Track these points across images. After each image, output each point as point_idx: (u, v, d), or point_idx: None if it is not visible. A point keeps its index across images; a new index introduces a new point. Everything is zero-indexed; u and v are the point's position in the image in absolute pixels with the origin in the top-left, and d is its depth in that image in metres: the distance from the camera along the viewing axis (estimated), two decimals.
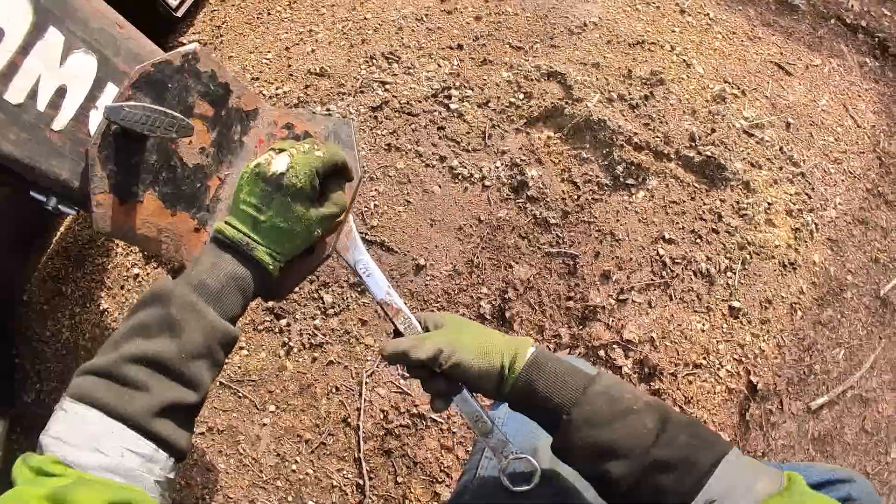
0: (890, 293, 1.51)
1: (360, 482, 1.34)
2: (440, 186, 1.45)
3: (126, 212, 0.72)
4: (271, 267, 0.64)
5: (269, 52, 1.77)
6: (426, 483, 1.31)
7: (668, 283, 1.37)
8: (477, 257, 1.39)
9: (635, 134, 1.48)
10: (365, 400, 1.36)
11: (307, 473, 1.36)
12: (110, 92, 0.77)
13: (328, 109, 1.60)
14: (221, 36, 1.84)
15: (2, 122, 0.67)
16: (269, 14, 1.86)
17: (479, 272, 1.38)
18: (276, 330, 1.41)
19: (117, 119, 0.64)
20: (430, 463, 1.32)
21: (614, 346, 1.31)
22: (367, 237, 1.41)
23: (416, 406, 1.34)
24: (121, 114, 0.63)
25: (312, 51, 1.73)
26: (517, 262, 1.38)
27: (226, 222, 0.64)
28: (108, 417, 0.53)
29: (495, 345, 0.65)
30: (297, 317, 1.41)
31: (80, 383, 0.56)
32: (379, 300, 0.76)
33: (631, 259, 1.39)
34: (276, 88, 1.67)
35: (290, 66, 1.72)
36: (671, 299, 1.35)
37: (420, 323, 0.74)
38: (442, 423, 1.33)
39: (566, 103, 1.52)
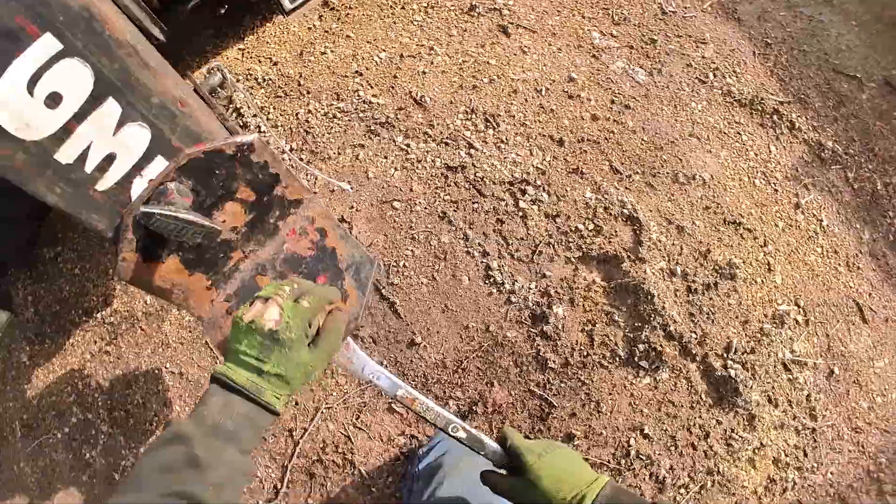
0: None
1: (278, 486, 1.44)
2: (469, 279, 1.43)
3: (147, 268, 0.75)
4: (279, 406, 0.69)
5: (383, 51, 1.70)
6: None
7: (620, 471, 1.36)
8: (468, 361, 1.39)
9: (675, 322, 1.40)
10: (314, 425, 1.43)
11: None
12: (159, 164, 0.78)
13: (408, 145, 1.55)
14: (351, 9, 1.76)
15: (50, 177, 0.71)
16: (402, 8, 1.76)
17: (462, 376, 1.39)
18: None
19: (148, 224, 0.66)
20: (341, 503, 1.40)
21: None
22: (381, 291, 1.42)
23: (352, 454, 1.41)
24: (151, 219, 0.66)
25: (423, 72, 1.65)
26: (500, 384, 1.37)
27: (229, 367, 0.68)
28: None
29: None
30: None
31: None
32: (394, 397, 0.82)
33: (601, 434, 1.36)
34: (372, 96, 1.62)
35: (396, 77, 1.65)
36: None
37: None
38: (366, 480, 1.39)
39: (628, 258, 1.44)
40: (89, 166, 0.73)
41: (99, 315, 1.58)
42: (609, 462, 1.36)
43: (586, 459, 1.35)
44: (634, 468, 1.37)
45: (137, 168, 0.77)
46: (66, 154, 0.70)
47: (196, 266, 0.80)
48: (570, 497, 0.75)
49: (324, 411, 1.43)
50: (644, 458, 1.37)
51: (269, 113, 1.66)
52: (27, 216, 1.53)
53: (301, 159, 1.59)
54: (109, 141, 0.73)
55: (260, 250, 0.86)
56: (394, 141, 1.57)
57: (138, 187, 0.77)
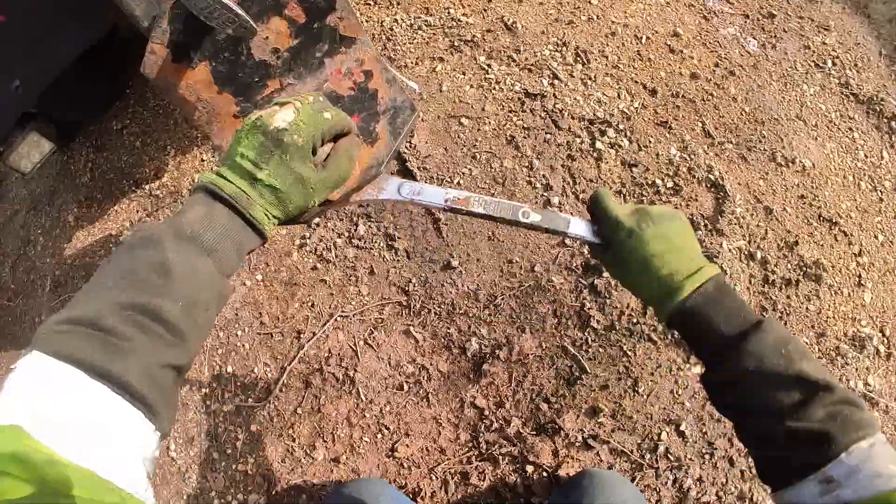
0: None
1: (272, 388, 1.32)
2: None
3: (175, 70, 0.65)
4: (268, 228, 0.56)
5: None
6: (313, 434, 1.27)
7: (641, 466, 1.18)
8: (502, 299, 1.24)
9: None
10: (324, 331, 1.30)
11: (244, 345, 1.35)
12: None
13: (489, 65, 1.40)
14: None
15: None
16: None
17: (493, 313, 1.23)
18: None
19: None
20: (329, 421, 1.27)
21: (543, 472, 1.16)
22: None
23: (355, 371, 1.27)
24: None
25: (520, 1, 1.50)
26: (532, 332, 1.22)
27: (218, 174, 0.55)
28: (89, 377, 0.42)
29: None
30: (328, 224, 1.33)
31: (52, 334, 0.43)
32: (445, 207, 0.69)
33: (631, 418, 1.19)
34: (462, 15, 1.48)
35: (490, 1, 1.51)
36: (632, 481, 1.16)
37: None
38: (361, 403, 1.26)
39: (705, 226, 1.26)
40: None
41: (147, 187, 1.54)
42: (632, 452, 1.19)
43: (606, 442, 1.18)
44: (658, 467, 1.19)
45: None
46: None
47: (227, 83, 0.69)
48: (660, 275, 0.60)
49: (338, 319, 1.30)
50: (672, 458, 1.19)
51: None
52: (105, 78, 1.49)
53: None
54: None
55: (298, 84, 0.75)
56: (475, 59, 1.42)
57: None
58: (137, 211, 1.55)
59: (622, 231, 0.61)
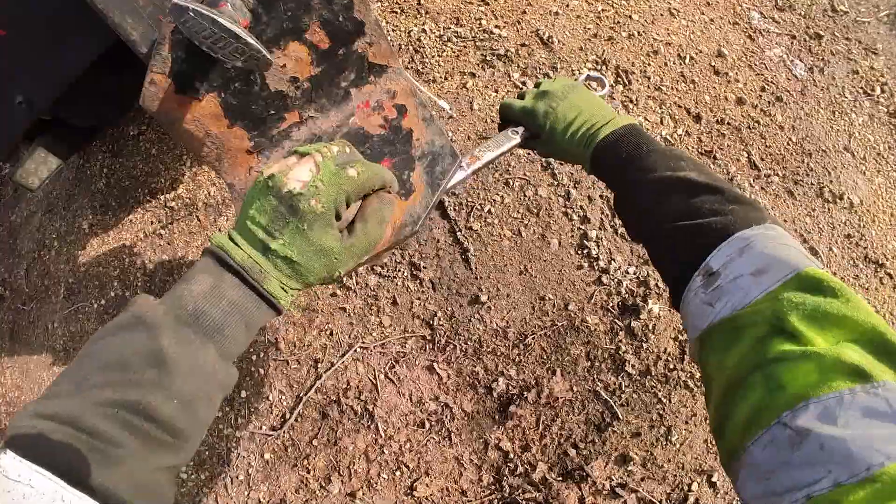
0: None
1: (287, 416, 1.25)
2: (560, 244, 1.19)
3: (179, 102, 0.56)
4: (283, 302, 0.49)
5: None
6: (329, 467, 1.21)
7: None
8: (534, 338, 1.16)
9: None
10: (342, 362, 1.23)
11: (259, 370, 1.29)
12: None
13: (524, 83, 1.31)
14: None
15: None
16: None
17: (523, 353, 1.16)
18: None
19: (178, 22, 0.46)
20: (346, 455, 1.20)
21: None
22: (457, 234, 1.20)
23: (374, 405, 1.21)
24: (182, 17, 0.46)
25: (556, 13, 1.40)
26: (563, 375, 1.14)
27: (230, 238, 0.48)
28: (68, 486, 0.35)
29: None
30: None
31: (30, 432, 0.37)
32: (469, 175, 0.71)
33: (661, 467, 1.12)
34: (495, 27, 1.37)
35: (524, 13, 1.40)
36: None
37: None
38: (380, 439, 1.19)
39: None
40: None
41: (162, 197, 1.47)
42: (661, 502, 1.12)
43: (635, 491, 1.12)
44: None
45: None
46: None
47: (239, 116, 0.59)
48: (581, 134, 0.65)
49: (358, 350, 1.23)
50: None
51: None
52: (122, 82, 1.40)
53: None
54: None
55: (321, 118, 0.64)
56: (509, 76, 1.32)
57: None
58: (152, 222, 1.47)
59: (539, 117, 0.68)
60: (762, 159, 1.28)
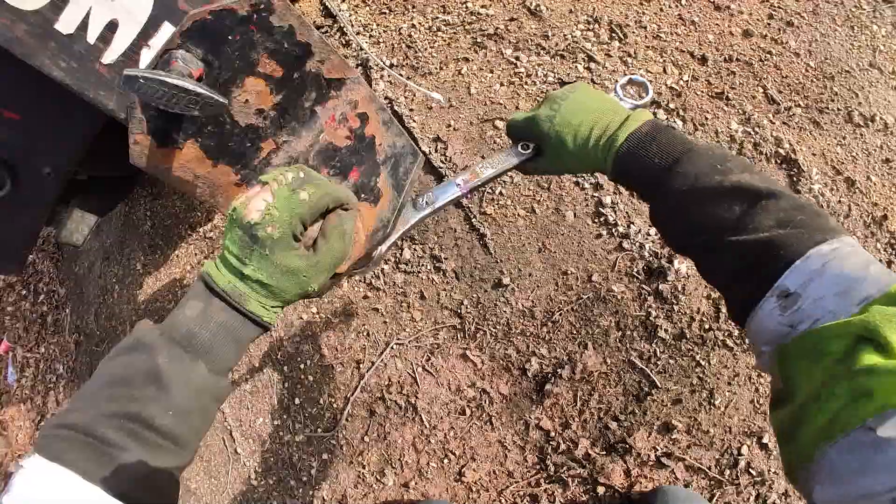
0: None
1: (338, 417, 1.22)
2: (575, 215, 1.08)
3: (164, 154, 0.55)
4: (266, 319, 0.51)
5: None
6: (381, 460, 1.16)
7: (721, 483, 1.00)
8: (561, 314, 1.06)
9: None
10: (382, 360, 1.18)
11: (308, 378, 1.26)
12: (166, 31, 0.65)
13: (517, 58, 1.18)
14: None
15: (53, 49, 0.62)
16: None
17: (552, 330, 1.06)
18: None
19: (132, 90, 0.46)
20: (396, 448, 1.16)
21: (615, 493, 1.00)
22: (472, 221, 1.10)
23: (416, 398, 1.15)
24: (135, 85, 0.46)
25: None
26: (595, 348, 1.04)
27: (216, 265, 0.50)
28: (85, 482, 0.41)
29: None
30: None
31: (51, 439, 0.43)
32: (464, 193, 0.66)
33: (707, 433, 1.00)
34: (482, 7, 1.25)
35: None
36: (711, 499, 0.99)
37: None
38: (425, 429, 1.14)
39: None
40: (91, 36, 0.63)
41: (201, 230, 1.48)
42: (710, 469, 1.01)
43: (682, 459, 1.01)
44: (739, 483, 1.01)
45: (143, 37, 0.65)
46: (66, 23, 0.61)
47: (220, 155, 0.59)
48: (595, 138, 0.54)
49: (394, 347, 1.17)
50: (755, 473, 1.00)
51: (372, 30, 1.37)
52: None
53: (401, 75, 1.29)
54: (109, 6, 0.62)
55: (294, 140, 0.63)
56: (502, 54, 1.20)
57: (147, 59, 0.62)
58: (196, 254, 1.48)
59: (543, 123, 0.59)
60: (780, 92, 1.11)
